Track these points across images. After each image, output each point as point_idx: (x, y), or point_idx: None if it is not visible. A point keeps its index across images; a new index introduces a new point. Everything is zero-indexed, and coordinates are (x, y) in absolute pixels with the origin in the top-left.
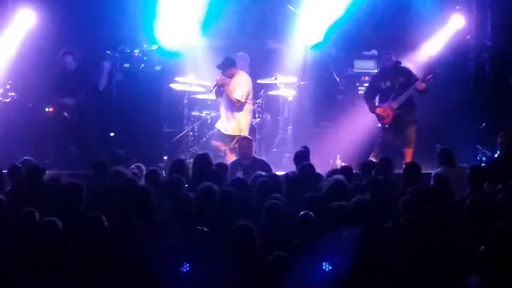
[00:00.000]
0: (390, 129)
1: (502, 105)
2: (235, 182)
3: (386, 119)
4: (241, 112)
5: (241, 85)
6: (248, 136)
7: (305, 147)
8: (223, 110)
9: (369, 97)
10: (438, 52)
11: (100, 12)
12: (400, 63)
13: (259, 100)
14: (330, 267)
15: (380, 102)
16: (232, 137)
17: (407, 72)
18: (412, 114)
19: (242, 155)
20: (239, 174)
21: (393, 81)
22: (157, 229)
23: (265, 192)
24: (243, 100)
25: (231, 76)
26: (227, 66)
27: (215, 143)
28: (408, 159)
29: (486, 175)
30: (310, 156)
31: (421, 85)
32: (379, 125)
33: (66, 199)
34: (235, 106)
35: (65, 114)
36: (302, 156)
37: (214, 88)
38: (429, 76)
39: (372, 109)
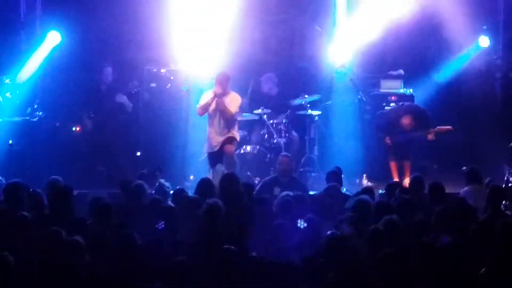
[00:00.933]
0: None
1: None
2: (260, 200)
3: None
4: (235, 129)
5: (236, 100)
6: (288, 154)
7: (338, 168)
8: (215, 127)
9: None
10: (465, 73)
11: (127, 32)
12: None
13: (285, 120)
14: (305, 224)
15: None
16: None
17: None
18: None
19: (281, 172)
20: (276, 191)
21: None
22: (179, 247)
23: (287, 212)
24: (237, 113)
25: (224, 93)
26: (224, 81)
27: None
28: (408, 172)
29: (505, 195)
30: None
31: (431, 137)
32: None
33: (96, 216)
34: (230, 121)
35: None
36: (333, 176)
37: (213, 100)
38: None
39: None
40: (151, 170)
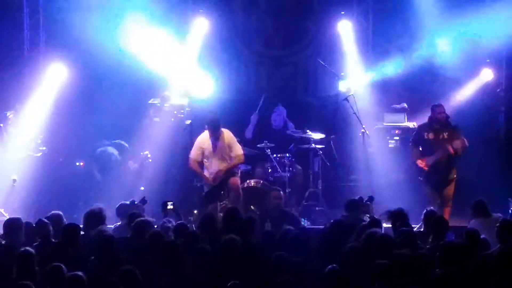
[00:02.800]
0: (428, 183)
1: None
2: (265, 236)
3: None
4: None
5: (234, 142)
6: (278, 188)
7: (360, 198)
8: (213, 166)
9: (414, 145)
10: (469, 105)
11: (129, 66)
12: (448, 117)
13: (288, 154)
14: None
15: (422, 153)
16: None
17: (453, 129)
18: (450, 172)
19: (271, 207)
20: (267, 226)
21: (436, 134)
22: (186, 283)
23: (294, 246)
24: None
25: (218, 137)
26: (216, 130)
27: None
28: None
29: None
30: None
31: (451, 150)
32: (420, 178)
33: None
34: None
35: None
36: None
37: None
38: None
39: (413, 158)
40: (133, 201)
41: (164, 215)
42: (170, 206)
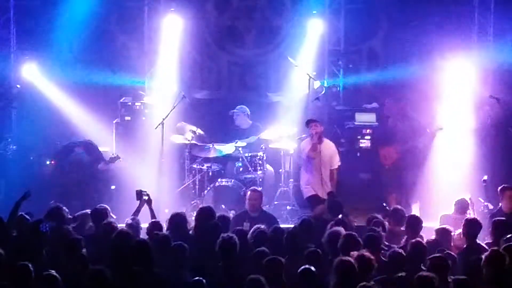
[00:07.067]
0: (389, 172)
1: (505, 157)
2: (236, 233)
3: (388, 161)
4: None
5: (336, 153)
6: (258, 189)
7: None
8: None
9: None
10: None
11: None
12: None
13: (261, 153)
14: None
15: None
16: None
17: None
18: (413, 166)
19: (251, 207)
20: (246, 226)
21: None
22: (157, 282)
23: (262, 245)
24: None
25: (320, 139)
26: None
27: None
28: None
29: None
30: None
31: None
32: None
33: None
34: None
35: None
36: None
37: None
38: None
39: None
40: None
41: (139, 203)
42: (145, 197)
